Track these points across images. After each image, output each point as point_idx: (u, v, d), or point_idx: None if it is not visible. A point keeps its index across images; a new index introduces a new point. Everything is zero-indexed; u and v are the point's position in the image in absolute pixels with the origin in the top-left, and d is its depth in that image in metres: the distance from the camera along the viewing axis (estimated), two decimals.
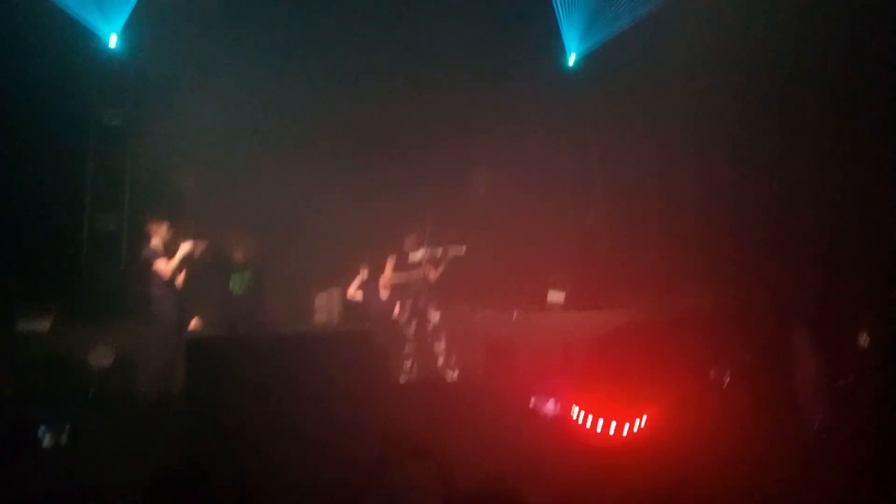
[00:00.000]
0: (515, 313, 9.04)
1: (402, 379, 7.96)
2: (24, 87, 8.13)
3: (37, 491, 3.97)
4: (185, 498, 3.22)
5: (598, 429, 5.12)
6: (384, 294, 8.47)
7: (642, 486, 4.26)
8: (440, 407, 5.92)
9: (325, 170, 8.78)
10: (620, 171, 9.78)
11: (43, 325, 7.52)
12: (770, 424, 5.27)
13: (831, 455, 4.64)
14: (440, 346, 8.09)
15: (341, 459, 4.53)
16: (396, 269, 8.37)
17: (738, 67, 8.91)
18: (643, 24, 9.38)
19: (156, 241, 7.17)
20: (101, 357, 7.13)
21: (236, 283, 7.69)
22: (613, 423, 5.07)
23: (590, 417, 5.20)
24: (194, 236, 7.24)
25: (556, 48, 10.25)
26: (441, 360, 8.08)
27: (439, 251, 8.19)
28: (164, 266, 7.07)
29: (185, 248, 7.13)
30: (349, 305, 8.54)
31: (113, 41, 8.81)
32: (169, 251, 7.14)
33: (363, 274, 8.52)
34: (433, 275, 8.22)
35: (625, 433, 5.04)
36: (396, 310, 8.43)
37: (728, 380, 5.76)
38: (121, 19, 8.75)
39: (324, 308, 8.57)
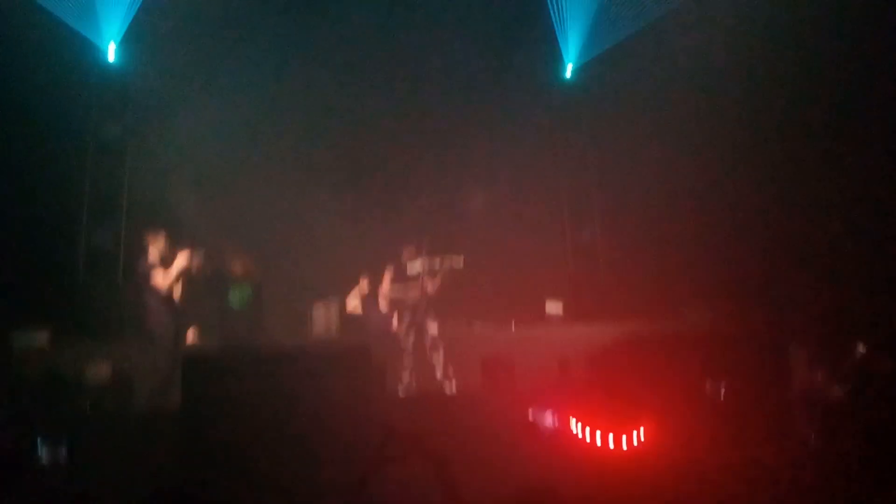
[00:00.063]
0: (513, 326, 9.05)
1: (401, 392, 7.95)
2: (22, 100, 8.15)
3: None
4: None
5: (598, 442, 5.12)
6: (383, 307, 8.48)
7: (640, 500, 4.26)
8: (439, 420, 5.90)
9: (323, 184, 8.82)
10: (618, 183, 9.84)
11: (41, 340, 7.49)
12: (767, 438, 5.27)
13: (828, 470, 4.65)
14: (438, 359, 8.09)
15: (340, 474, 4.53)
16: (395, 282, 8.38)
17: (735, 80, 9.01)
18: (640, 36, 9.47)
19: (153, 256, 7.16)
20: (98, 373, 7.10)
21: (235, 298, 7.69)
22: (611, 436, 5.07)
23: (587, 430, 5.20)
24: (192, 251, 7.24)
25: (554, 60, 10.32)
26: (439, 373, 8.07)
27: (437, 264, 8.20)
28: (161, 281, 7.06)
29: (182, 262, 7.12)
30: (348, 319, 8.54)
31: (111, 54, 8.84)
32: (167, 266, 7.13)
33: (362, 287, 8.53)
34: (431, 288, 8.23)
35: (624, 446, 5.03)
36: (395, 323, 8.43)
37: (725, 393, 5.77)
38: (118, 33, 8.78)
39: (322, 321, 8.57)
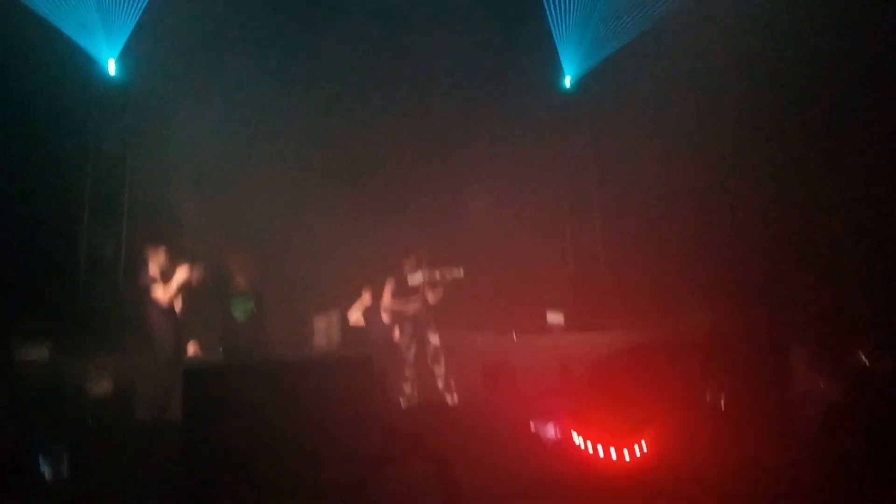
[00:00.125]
0: (515, 336, 9.03)
1: (403, 402, 7.95)
2: (23, 111, 8.16)
3: None
4: None
5: (601, 453, 5.12)
6: (384, 318, 8.48)
7: None
8: (441, 430, 5.90)
9: (324, 194, 8.82)
10: (618, 192, 9.83)
11: (41, 352, 7.49)
12: (769, 441, 5.28)
13: (831, 477, 4.65)
14: (440, 369, 8.08)
15: (343, 484, 4.55)
16: (396, 292, 8.35)
17: (735, 88, 9.00)
18: (639, 46, 9.46)
19: (154, 268, 7.13)
20: (100, 384, 7.10)
21: (236, 309, 7.68)
22: (612, 450, 5.07)
23: (589, 442, 5.20)
24: (193, 262, 7.23)
25: (553, 70, 10.30)
26: (441, 384, 8.07)
27: (438, 274, 8.17)
28: (162, 292, 7.04)
29: (184, 273, 7.10)
30: (350, 330, 8.53)
31: (111, 67, 8.85)
32: (168, 277, 7.11)
33: (364, 298, 8.53)
34: (433, 298, 8.22)
35: (626, 458, 5.03)
36: (396, 334, 8.43)
37: (727, 398, 5.77)
38: (118, 45, 8.80)
39: (324, 333, 8.56)
